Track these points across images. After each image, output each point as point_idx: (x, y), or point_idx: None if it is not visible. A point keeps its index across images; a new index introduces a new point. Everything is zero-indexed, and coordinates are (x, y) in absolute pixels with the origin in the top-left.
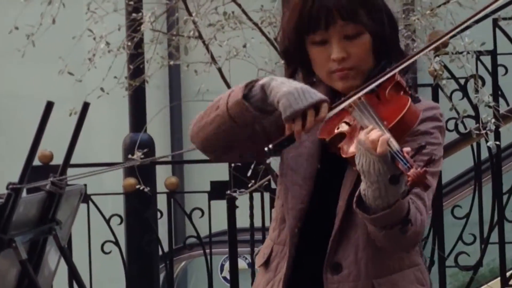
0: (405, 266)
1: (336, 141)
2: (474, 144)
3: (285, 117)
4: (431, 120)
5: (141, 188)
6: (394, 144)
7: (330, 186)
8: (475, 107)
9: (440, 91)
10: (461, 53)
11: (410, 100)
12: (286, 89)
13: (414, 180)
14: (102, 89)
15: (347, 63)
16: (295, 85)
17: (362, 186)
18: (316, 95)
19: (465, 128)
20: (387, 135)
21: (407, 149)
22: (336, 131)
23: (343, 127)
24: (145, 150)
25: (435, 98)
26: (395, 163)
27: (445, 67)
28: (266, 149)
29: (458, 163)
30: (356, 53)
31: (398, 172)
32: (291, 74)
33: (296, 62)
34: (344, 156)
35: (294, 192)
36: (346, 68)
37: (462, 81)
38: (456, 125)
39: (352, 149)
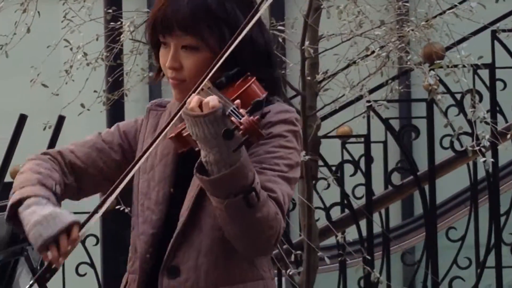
0: (248, 279)
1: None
2: (471, 163)
3: (37, 248)
4: (285, 123)
5: (121, 208)
6: (226, 101)
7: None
8: (471, 124)
9: (435, 106)
10: (457, 66)
11: (254, 79)
12: (35, 219)
13: (247, 128)
14: (82, 105)
15: (180, 75)
16: (45, 212)
17: (203, 154)
18: (66, 218)
19: (461, 146)
20: (213, 95)
21: (238, 101)
22: (185, 133)
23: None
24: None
25: (430, 114)
26: (230, 119)
27: (441, 81)
28: (31, 282)
29: (453, 182)
30: (189, 66)
31: (232, 126)
32: None
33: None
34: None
35: (145, 217)
36: (178, 79)
37: (458, 96)
38: (451, 142)
39: None
